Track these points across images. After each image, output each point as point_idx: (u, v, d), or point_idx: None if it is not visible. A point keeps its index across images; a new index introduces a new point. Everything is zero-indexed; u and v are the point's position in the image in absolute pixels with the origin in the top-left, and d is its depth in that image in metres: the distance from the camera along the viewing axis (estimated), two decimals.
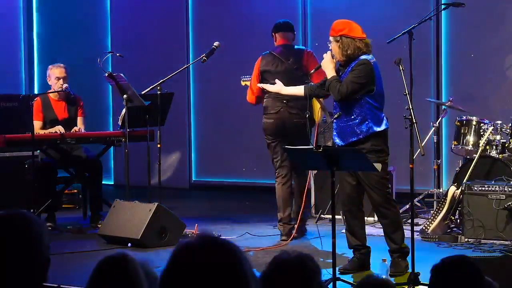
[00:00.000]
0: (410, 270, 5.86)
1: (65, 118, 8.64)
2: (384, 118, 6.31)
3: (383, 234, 6.51)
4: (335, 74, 6.37)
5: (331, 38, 6.39)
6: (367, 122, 6.25)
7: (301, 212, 7.68)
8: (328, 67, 6.41)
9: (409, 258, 5.93)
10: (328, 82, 6.36)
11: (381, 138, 6.30)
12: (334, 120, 6.38)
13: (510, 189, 7.47)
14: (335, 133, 6.42)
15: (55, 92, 8.59)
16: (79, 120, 8.72)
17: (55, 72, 8.60)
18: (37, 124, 8.50)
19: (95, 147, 8.84)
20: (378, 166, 5.95)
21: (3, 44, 12.72)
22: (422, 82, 9.59)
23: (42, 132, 8.42)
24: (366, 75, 6.19)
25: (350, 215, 6.48)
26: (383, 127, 6.27)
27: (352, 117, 6.28)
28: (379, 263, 6.14)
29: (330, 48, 6.41)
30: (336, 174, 5.81)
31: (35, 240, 2.60)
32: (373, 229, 7.82)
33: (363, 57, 6.26)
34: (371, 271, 6.38)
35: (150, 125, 8.20)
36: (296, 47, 7.97)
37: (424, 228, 7.78)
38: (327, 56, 6.43)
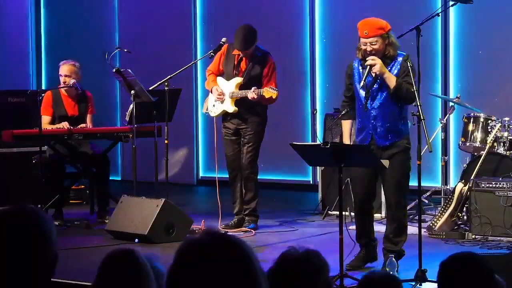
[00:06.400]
0: (417, 267, 5.85)
1: (75, 115, 8.62)
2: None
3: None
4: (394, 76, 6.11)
5: (376, 38, 6.05)
6: (403, 122, 6.22)
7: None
8: (386, 70, 6.07)
9: (416, 255, 5.90)
10: (403, 87, 6.03)
11: (408, 136, 6.27)
12: (372, 121, 6.21)
13: None
14: (375, 133, 6.20)
15: (64, 87, 8.56)
16: (88, 117, 8.69)
17: (61, 70, 8.56)
18: (45, 119, 8.48)
19: (102, 142, 8.84)
20: (386, 162, 5.92)
21: (11, 40, 12.73)
22: (429, 79, 9.57)
23: (49, 127, 8.42)
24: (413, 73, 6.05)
25: (362, 211, 6.42)
26: (410, 125, 6.26)
27: (395, 117, 6.18)
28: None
29: (370, 49, 6.07)
30: (346, 170, 5.75)
31: (43, 235, 2.60)
32: (379, 226, 7.78)
33: (402, 54, 6.14)
34: (378, 268, 6.35)
35: (158, 121, 8.21)
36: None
37: (431, 225, 7.76)
38: (378, 61, 6.05)
